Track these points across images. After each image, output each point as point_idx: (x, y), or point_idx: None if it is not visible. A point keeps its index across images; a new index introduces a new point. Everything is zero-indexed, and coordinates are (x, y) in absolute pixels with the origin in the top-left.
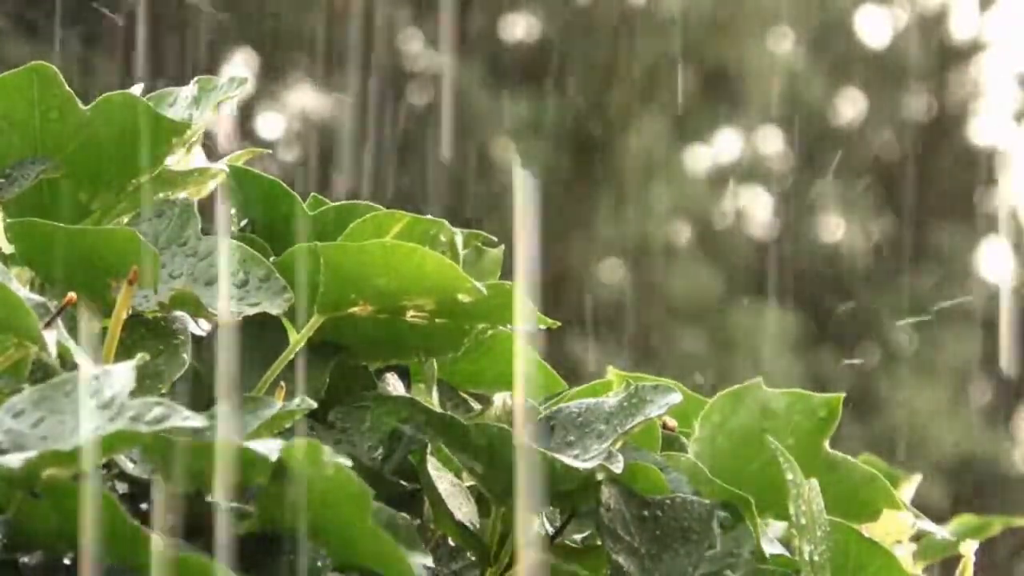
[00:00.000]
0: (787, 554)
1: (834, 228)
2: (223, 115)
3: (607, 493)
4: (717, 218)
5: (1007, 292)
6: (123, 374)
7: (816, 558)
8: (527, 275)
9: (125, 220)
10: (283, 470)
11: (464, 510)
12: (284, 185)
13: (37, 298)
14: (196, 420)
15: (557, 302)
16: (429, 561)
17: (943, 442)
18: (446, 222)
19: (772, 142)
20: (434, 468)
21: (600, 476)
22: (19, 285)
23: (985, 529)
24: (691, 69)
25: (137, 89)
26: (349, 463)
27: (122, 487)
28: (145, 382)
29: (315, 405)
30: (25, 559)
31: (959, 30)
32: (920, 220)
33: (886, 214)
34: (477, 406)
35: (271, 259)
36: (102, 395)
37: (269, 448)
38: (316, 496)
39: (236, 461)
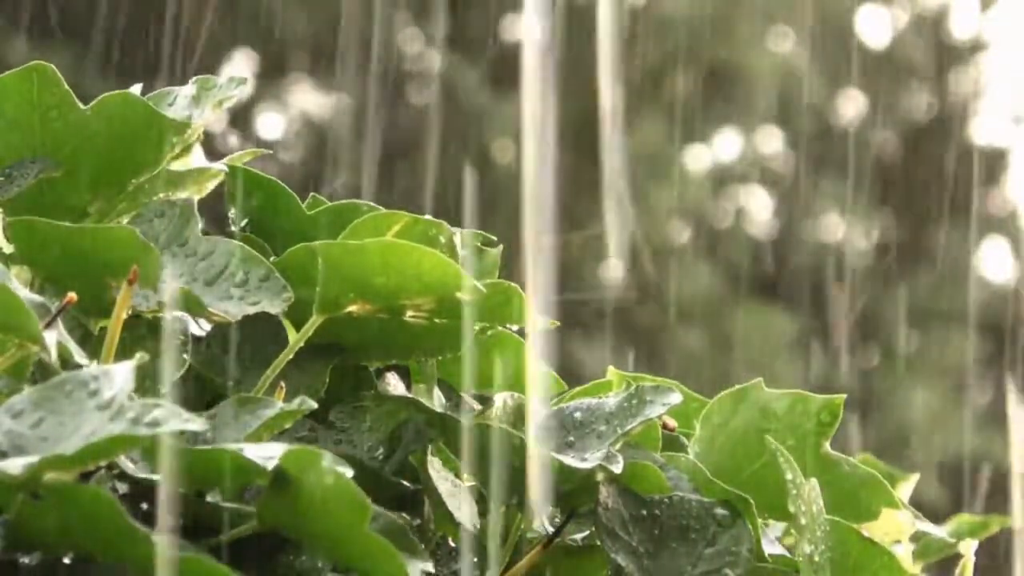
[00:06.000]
0: (787, 554)
1: (834, 228)
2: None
3: (605, 493)
4: (717, 218)
5: (1007, 292)
6: (123, 374)
7: (816, 558)
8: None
9: (125, 220)
10: (283, 474)
11: (464, 510)
12: (284, 185)
13: (37, 298)
14: (196, 422)
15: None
16: (430, 567)
17: (943, 442)
18: (445, 223)
19: (772, 142)
20: (434, 468)
21: (600, 476)
22: (19, 285)
23: (984, 529)
24: (691, 69)
25: (136, 89)
26: (350, 472)
27: (122, 487)
28: (145, 382)
29: (315, 406)
30: (25, 559)
31: (959, 30)
32: (920, 220)
33: (886, 214)
34: (477, 406)
35: (270, 259)
36: (101, 396)
37: (267, 456)
38: (315, 503)
39: (235, 466)
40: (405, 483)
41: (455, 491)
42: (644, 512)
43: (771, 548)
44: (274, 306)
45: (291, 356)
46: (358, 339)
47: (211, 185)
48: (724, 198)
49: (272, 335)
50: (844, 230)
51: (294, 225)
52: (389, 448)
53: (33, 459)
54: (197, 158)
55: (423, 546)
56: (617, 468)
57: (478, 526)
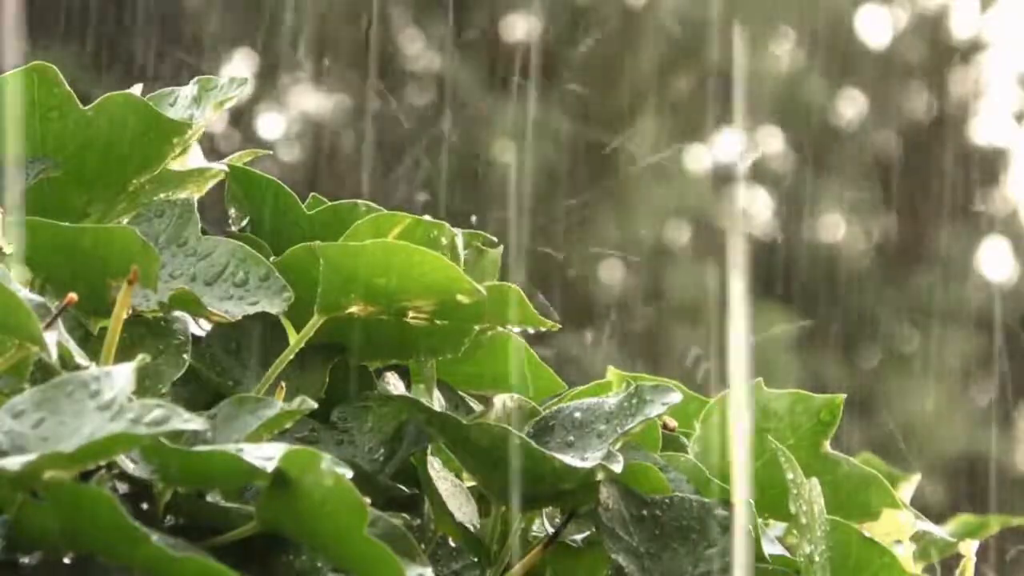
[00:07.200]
0: (787, 554)
1: (834, 228)
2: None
3: (606, 493)
4: (717, 218)
5: (1007, 292)
6: (124, 375)
7: (816, 558)
8: None
9: (125, 220)
10: (283, 475)
11: (464, 510)
12: (284, 185)
13: (37, 298)
14: (196, 422)
15: (557, 302)
16: (429, 572)
17: (943, 442)
18: (446, 224)
19: (772, 142)
20: (434, 468)
21: (600, 476)
22: (19, 285)
23: (984, 529)
24: (691, 69)
25: (137, 89)
26: (350, 473)
27: (122, 487)
28: (145, 382)
29: (315, 406)
30: (25, 559)
31: (959, 30)
32: (920, 220)
33: (886, 214)
34: (477, 407)
35: (271, 259)
36: (102, 396)
37: (266, 457)
38: (314, 504)
39: (234, 468)
40: (402, 488)
41: (455, 491)
42: (645, 512)
43: (771, 548)
44: (274, 306)
45: (291, 356)
46: (358, 339)
47: (211, 185)
48: (724, 198)
49: (272, 335)
50: (844, 230)
51: (294, 225)
52: (390, 449)
53: (32, 457)
54: (197, 158)
55: (423, 546)
56: (617, 467)
57: (478, 526)
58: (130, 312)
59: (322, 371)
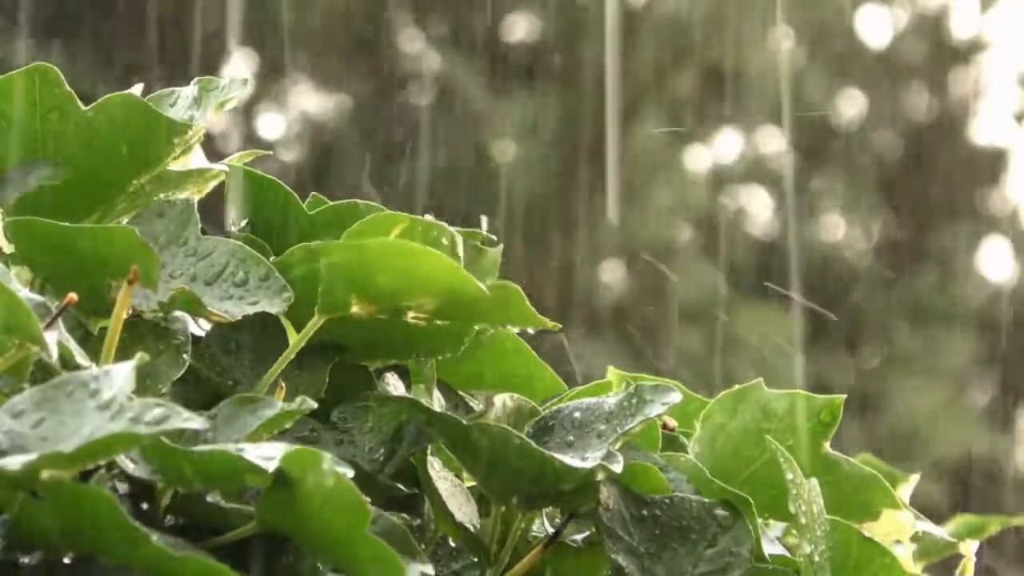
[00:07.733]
0: (787, 554)
1: (834, 228)
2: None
3: (606, 493)
4: (717, 218)
5: (1007, 292)
6: (123, 375)
7: (816, 558)
8: None
9: (125, 220)
10: (284, 475)
11: (464, 510)
12: (284, 185)
13: (37, 298)
14: (196, 422)
15: (557, 302)
16: (429, 570)
17: (943, 442)
18: (445, 224)
19: (772, 142)
20: (434, 469)
21: (600, 476)
22: (19, 285)
23: (984, 529)
24: (691, 69)
25: (137, 89)
26: (351, 473)
27: (122, 487)
28: (145, 382)
29: (315, 406)
30: (25, 559)
31: (959, 30)
32: (920, 220)
33: (886, 214)
34: (477, 407)
35: (271, 259)
36: (102, 396)
37: (267, 457)
38: (315, 504)
39: (235, 467)
40: (402, 488)
41: (455, 491)
42: (645, 512)
43: (771, 548)
44: (274, 306)
45: (291, 356)
46: (358, 339)
47: (211, 185)
48: (724, 198)
49: (272, 335)
50: (844, 230)
51: (294, 225)
52: (390, 449)
53: (31, 456)
54: (197, 158)
55: (423, 546)
56: (617, 467)
57: (478, 526)
58: (130, 312)
59: (322, 371)
